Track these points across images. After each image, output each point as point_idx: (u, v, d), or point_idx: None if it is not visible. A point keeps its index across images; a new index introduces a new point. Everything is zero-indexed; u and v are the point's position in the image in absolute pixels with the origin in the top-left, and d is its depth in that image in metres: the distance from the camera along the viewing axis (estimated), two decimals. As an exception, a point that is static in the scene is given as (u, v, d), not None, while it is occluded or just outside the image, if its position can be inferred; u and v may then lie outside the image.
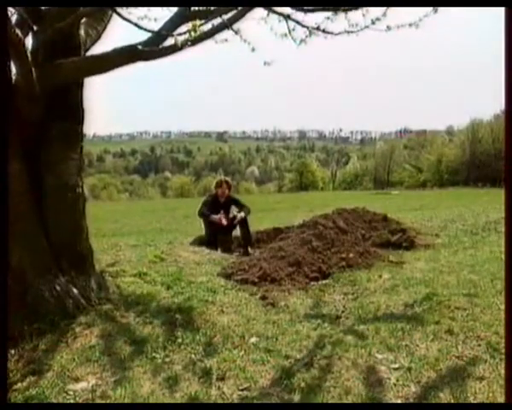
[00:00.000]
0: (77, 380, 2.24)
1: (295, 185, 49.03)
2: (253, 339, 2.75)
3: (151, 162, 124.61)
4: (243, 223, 5.47)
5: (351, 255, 4.26)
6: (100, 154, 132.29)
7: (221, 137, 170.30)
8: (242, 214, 5.48)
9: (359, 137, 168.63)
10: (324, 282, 3.82)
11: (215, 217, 5.38)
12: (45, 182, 2.92)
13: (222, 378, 2.28)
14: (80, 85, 2.99)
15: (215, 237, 5.34)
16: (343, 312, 3.19)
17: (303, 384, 2.20)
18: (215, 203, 5.59)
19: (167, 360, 2.47)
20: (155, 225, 10.98)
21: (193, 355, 2.53)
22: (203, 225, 5.64)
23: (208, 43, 2.71)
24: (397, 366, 2.33)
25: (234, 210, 5.72)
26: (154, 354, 2.51)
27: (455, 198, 16.66)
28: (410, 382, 2.17)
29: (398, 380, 2.19)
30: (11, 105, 2.34)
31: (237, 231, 5.68)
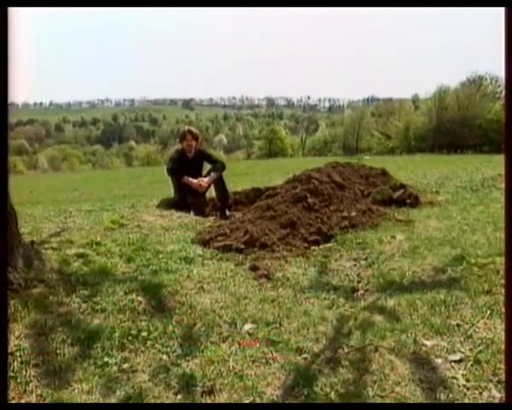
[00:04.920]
0: (-26, 413, 1.40)
1: (264, 153, 48.03)
2: (248, 326, 1.99)
3: (114, 132, 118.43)
4: (218, 181, 4.59)
5: (353, 214, 3.56)
6: (58, 123, 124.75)
7: (187, 104, 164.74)
8: (213, 175, 4.55)
9: (327, 104, 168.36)
10: (327, 245, 3.10)
11: (192, 181, 4.46)
12: None
13: (210, 392, 1.52)
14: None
15: (186, 198, 4.46)
16: (359, 282, 2.49)
17: (332, 394, 1.48)
18: (183, 160, 4.62)
19: (126, 366, 1.66)
20: (118, 192, 9.88)
21: (164, 356, 1.74)
22: (172, 185, 4.72)
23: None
24: (458, 357, 1.65)
25: (207, 167, 4.80)
26: (106, 359, 1.69)
27: (429, 162, 16.41)
28: (486, 382, 1.50)
29: (468, 380, 1.52)
30: None
31: (212, 192, 4.82)
